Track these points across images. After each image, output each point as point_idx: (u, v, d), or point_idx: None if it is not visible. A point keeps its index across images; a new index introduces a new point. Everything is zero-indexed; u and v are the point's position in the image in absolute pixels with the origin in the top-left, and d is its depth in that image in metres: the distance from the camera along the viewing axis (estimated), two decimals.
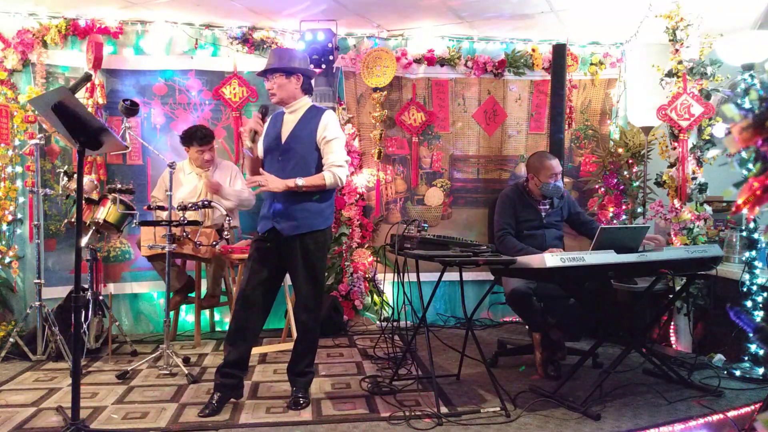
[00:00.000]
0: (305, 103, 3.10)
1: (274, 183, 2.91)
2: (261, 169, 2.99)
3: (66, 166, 4.25)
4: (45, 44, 4.44)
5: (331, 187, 3.01)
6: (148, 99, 4.70)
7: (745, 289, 3.52)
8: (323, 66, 4.70)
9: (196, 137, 4.25)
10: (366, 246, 5.04)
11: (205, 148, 4.28)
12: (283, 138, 3.04)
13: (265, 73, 3.04)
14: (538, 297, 3.56)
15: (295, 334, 4.01)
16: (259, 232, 3.10)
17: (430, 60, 5.06)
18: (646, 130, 4.71)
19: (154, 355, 3.73)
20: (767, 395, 3.02)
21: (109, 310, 4.02)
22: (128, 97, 4.26)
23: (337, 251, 4.98)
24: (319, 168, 3.03)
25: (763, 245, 3.58)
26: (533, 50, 5.13)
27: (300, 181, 2.93)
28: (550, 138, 4.74)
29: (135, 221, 3.99)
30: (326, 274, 4.98)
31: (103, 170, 4.57)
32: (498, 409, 2.93)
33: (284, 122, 3.09)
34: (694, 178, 4.12)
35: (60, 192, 4.21)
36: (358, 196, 5.00)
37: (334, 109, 4.95)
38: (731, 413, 2.90)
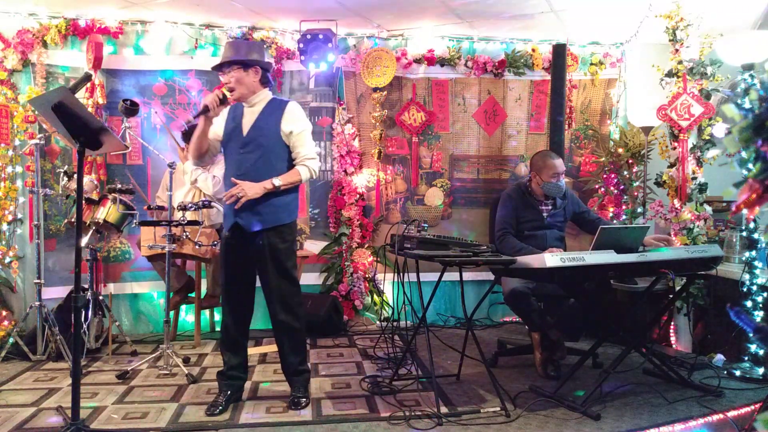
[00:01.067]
0: (266, 95, 3.01)
1: (252, 190, 2.83)
2: (233, 179, 2.89)
3: (66, 166, 4.25)
4: (45, 44, 4.44)
5: (306, 181, 2.97)
6: (148, 99, 4.70)
7: (745, 289, 3.52)
8: (323, 66, 4.70)
9: None
10: (366, 246, 5.04)
11: None
12: (245, 130, 2.95)
13: (221, 67, 2.94)
14: (537, 297, 3.56)
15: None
16: (223, 229, 3.04)
17: (430, 60, 5.06)
18: (646, 130, 4.71)
19: (154, 355, 3.73)
20: (767, 395, 3.02)
21: (109, 310, 4.02)
22: (128, 97, 4.26)
23: (337, 251, 4.98)
24: (287, 160, 2.96)
25: (763, 245, 3.58)
26: (533, 50, 5.13)
27: (277, 181, 2.86)
28: (550, 138, 4.74)
29: (135, 221, 3.99)
30: (326, 274, 5.00)
31: (103, 170, 4.58)
32: (498, 409, 2.93)
33: (244, 114, 2.99)
34: (694, 178, 4.12)
35: (60, 192, 4.21)
36: (358, 196, 5.00)
37: (333, 108, 4.97)
38: (731, 413, 2.90)
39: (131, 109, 3.86)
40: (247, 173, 2.90)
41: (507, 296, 3.50)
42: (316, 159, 3.00)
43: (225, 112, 3.06)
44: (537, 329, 3.52)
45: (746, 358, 3.53)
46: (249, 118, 2.97)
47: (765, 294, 3.48)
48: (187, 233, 3.85)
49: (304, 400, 3.05)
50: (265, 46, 4.81)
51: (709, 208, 4.13)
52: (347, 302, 4.93)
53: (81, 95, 4.25)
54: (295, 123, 2.94)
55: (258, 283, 3.06)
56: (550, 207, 3.75)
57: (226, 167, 3.06)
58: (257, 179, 2.87)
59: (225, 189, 3.01)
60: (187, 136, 4.28)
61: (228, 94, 2.91)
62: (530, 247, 3.53)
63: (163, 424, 2.83)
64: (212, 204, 3.88)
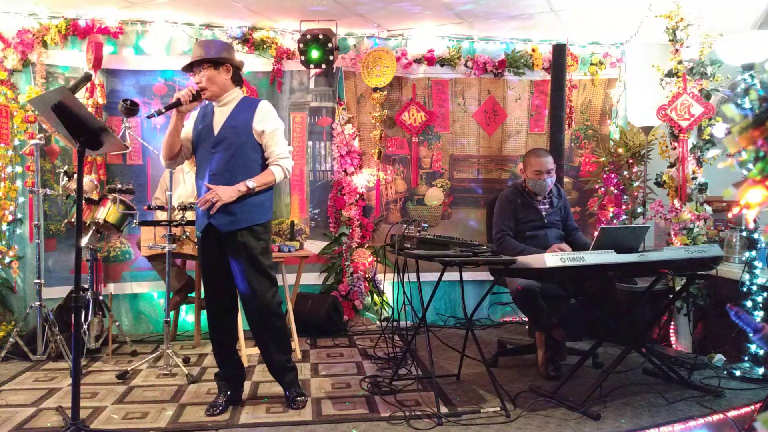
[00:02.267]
0: (237, 94, 2.98)
1: (227, 194, 2.79)
2: (207, 185, 2.85)
3: (66, 166, 4.25)
4: (45, 44, 4.44)
5: (281, 181, 2.94)
6: (148, 99, 4.70)
7: (745, 289, 3.52)
8: (323, 66, 4.70)
9: None
10: (366, 246, 5.04)
11: None
12: (216, 129, 2.91)
13: (191, 67, 2.92)
14: (542, 296, 3.55)
15: (295, 334, 4.02)
16: (196, 231, 3.01)
17: (430, 60, 5.06)
18: (646, 130, 4.71)
19: (154, 355, 3.73)
20: (767, 395, 3.02)
21: (109, 310, 4.02)
22: (128, 97, 4.26)
23: (337, 251, 4.98)
24: (259, 159, 2.93)
25: (763, 245, 3.58)
26: (533, 50, 5.13)
27: (251, 183, 2.82)
28: (550, 138, 4.74)
29: (135, 221, 3.99)
30: (326, 274, 5.00)
31: (103, 170, 4.58)
32: (498, 409, 2.93)
33: (215, 113, 2.95)
34: (694, 178, 4.13)
35: (60, 192, 4.21)
36: (358, 196, 5.00)
37: (333, 109, 4.96)
38: (731, 413, 2.90)
39: (131, 109, 3.86)
40: (219, 173, 2.86)
41: (515, 294, 3.45)
42: (289, 158, 2.96)
43: (194, 113, 3.04)
44: (542, 329, 3.50)
45: (746, 358, 3.53)
46: (220, 117, 2.94)
47: (765, 294, 3.48)
48: (187, 233, 3.85)
49: (302, 397, 3.05)
50: (264, 46, 4.82)
51: (709, 208, 4.13)
52: (347, 302, 4.93)
53: (81, 95, 4.25)
54: (267, 122, 2.91)
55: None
56: (547, 206, 3.74)
57: (197, 168, 3.01)
58: (230, 179, 2.84)
59: (197, 191, 2.98)
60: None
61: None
62: (531, 247, 3.51)
63: (163, 424, 2.83)
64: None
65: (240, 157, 2.87)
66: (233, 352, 3.11)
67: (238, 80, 2.99)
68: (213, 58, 2.87)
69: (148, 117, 2.86)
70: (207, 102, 2.99)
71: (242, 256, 2.88)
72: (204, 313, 4.49)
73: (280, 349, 3.05)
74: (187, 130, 3.01)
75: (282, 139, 2.96)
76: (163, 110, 2.85)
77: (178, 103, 2.84)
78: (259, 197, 2.91)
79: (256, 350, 4.02)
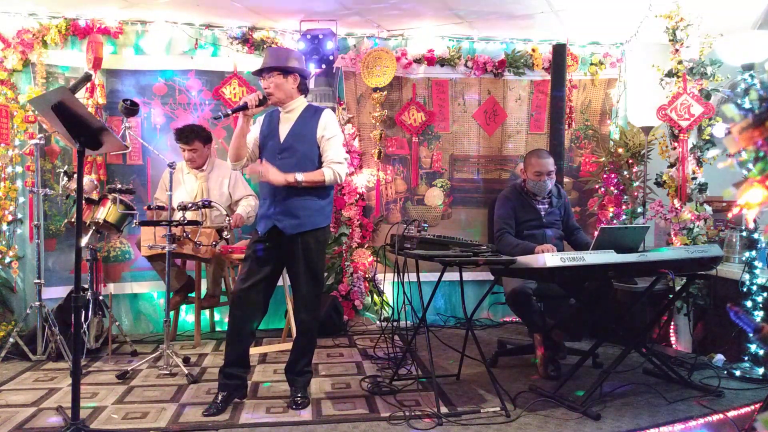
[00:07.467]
0: (302, 102, 3.10)
1: (275, 176, 2.90)
2: (260, 160, 2.97)
3: (66, 166, 4.25)
4: (45, 44, 4.44)
5: (330, 184, 3.00)
6: (148, 99, 4.70)
7: (745, 289, 3.52)
8: (323, 66, 4.70)
9: (180, 135, 4.24)
10: (366, 246, 5.04)
11: (186, 147, 4.26)
12: (282, 137, 3.03)
13: (261, 72, 3.03)
14: (538, 297, 3.56)
15: (294, 334, 4.02)
16: (259, 232, 3.09)
17: (430, 60, 5.05)
18: (646, 130, 4.71)
19: (154, 355, 3.73)
20: (767, 395, 3.02)
21: (109, 310, 4.01)
22: (128, 97, 4.26)
23: (337, 251, 4.98)
24: (320, 165, 3.03)
25: (763, 245, 3.58)
26: (533, 50, 5.13)
27: (300, 176, 2.92)
28: (549, 138, 4.74)
29: (135, 221, 3.99)
30: (326, 274, 4.99)
31: (103, 170, 4.58)
32: (498, 409, 2.93)
33: (281, 121, 3.07)
34: (694, 178, 4.13)
35: (60, 192, 4.21)
36: (358, 196, 5.00)
37: (334, 109, 4.96)
38: (731, 413, 2.90)
39: (131, 109, 3.86)
40: None
41: (508, 297, 3.50)
42: (344, 164, 3.05)
43: (260, 120, 3.16)
44: (537, 330, 3.52)
45: (746, 358, 3.53)
46: (285, 124, 3.06)
47: (765, 294, 3.48)
48: (187, 233, 3.85)
49: (304, 399, 3.05)
50: (264, 46, 4.82)
51: (709, 208, 4.13)
52: (347, 302, 4.93)
53: (81, 95, 4.25)
54: (328, 129, 3.03)
55: (280, 283, 3.15)
56: (546, 205, 3.75)
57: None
58: (294, 185, 2.94)
59: (263, 191, 3.12)
60: (174, 134, 4.27)
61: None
62: (526, 242, 3.53)
63: (163, 424, 2.83)
64: (212, 204, 3.89)
65: (304, 164, 2.98)
66: (245, 346, 3.11)
67: (304, 89, 3.11)
68: (282, 66, 2.98)
69: (215, 118, 2.98)
70: (273, 108, 3.11)
71: (299, 258, 3.00)
72: (204, 313, 4.53)
73: (307, 350, 3.15)
74: (254, 134, 3.11)
75: (339, 146, 3.06)
76: (230, 112, 2.98)
77: (244, 107, 2.94)
78: (319, 202, 3.03)
79: (256, 350, 4.04)
